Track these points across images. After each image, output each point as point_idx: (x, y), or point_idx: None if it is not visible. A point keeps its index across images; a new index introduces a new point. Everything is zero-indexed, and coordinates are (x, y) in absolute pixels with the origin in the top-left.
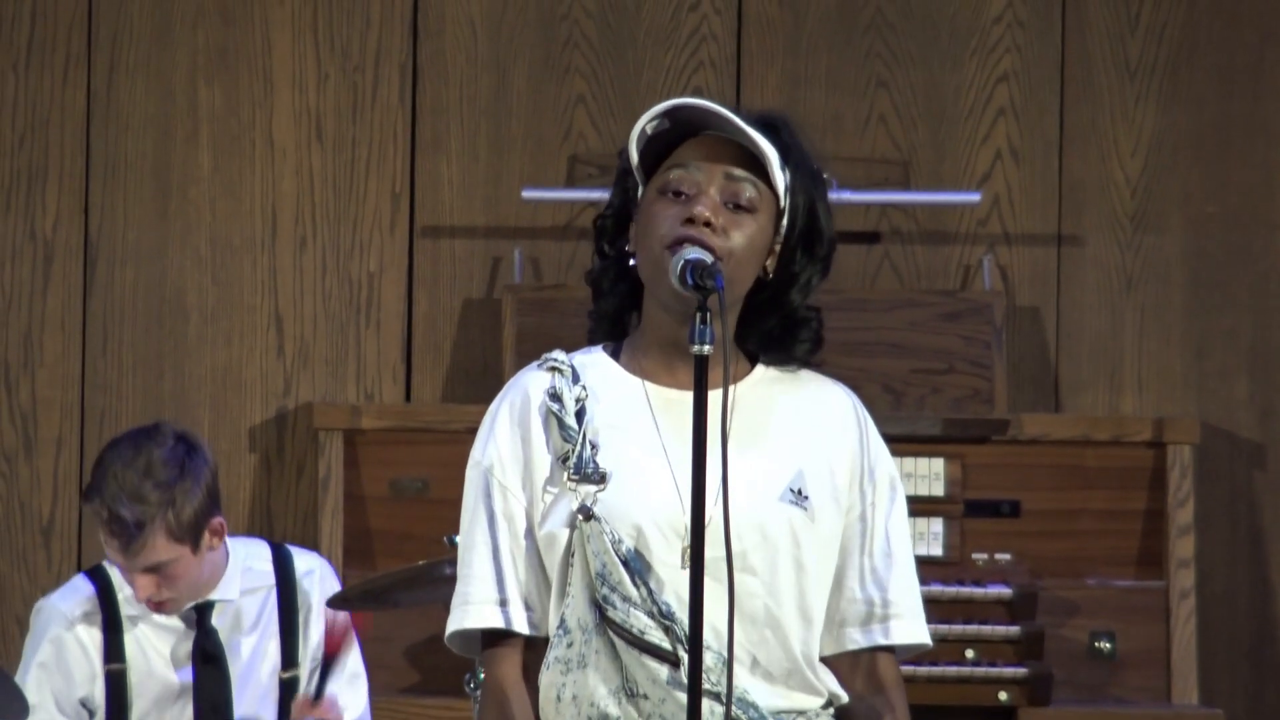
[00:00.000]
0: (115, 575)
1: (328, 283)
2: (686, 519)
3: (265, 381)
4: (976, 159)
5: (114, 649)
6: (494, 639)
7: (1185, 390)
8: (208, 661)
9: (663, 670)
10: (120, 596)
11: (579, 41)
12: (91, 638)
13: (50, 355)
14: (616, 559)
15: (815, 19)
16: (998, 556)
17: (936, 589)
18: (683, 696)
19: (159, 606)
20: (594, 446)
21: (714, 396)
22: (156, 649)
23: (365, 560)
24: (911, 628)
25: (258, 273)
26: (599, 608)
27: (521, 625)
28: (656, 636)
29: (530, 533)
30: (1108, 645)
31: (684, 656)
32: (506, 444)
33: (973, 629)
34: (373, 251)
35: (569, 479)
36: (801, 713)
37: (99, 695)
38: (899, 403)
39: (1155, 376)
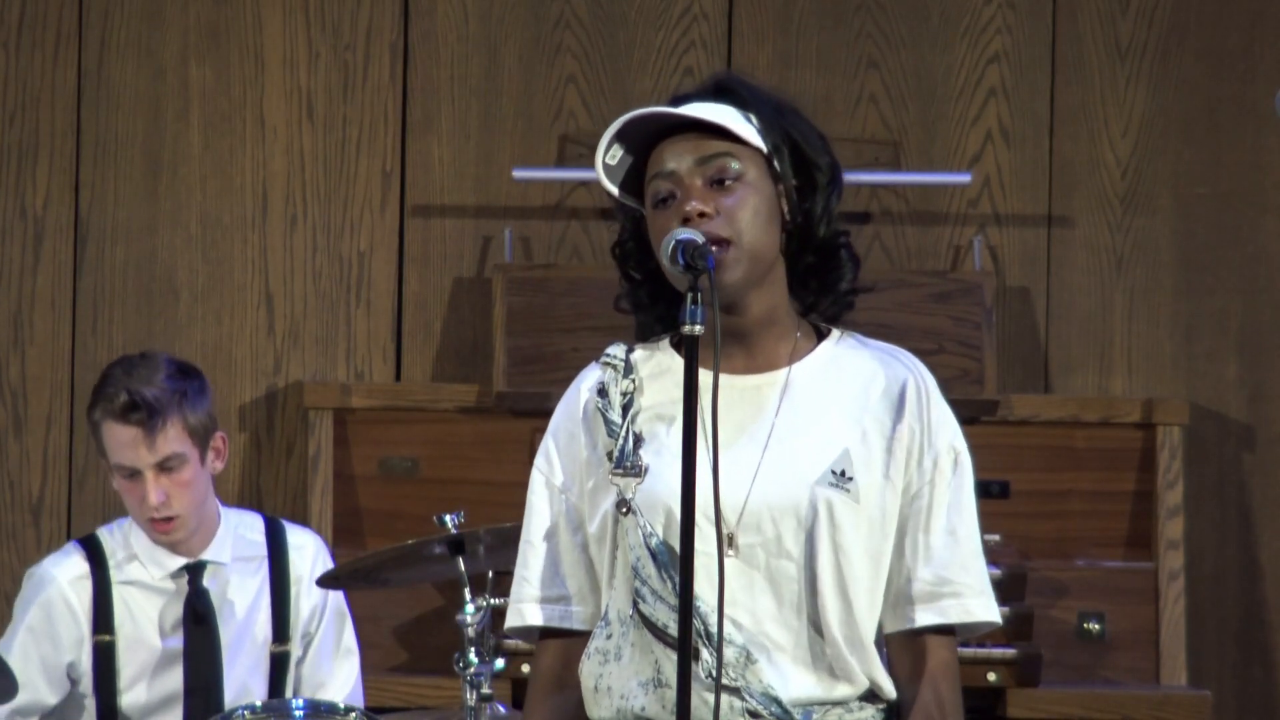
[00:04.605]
0: (107, 542)
1: (318, 261)
2: (721, 505)
3: (255, 360)
4: (967, 140)
5: (103, 616)
6: (545, 633)
7: (1174, 371)
8: (198, 623)
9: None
10: (112, 562)
11: (570, 21)
12: (81, 602)
13: (40, 334)
14: (647, 552)
15: None
16: (987, 537)
17: None
18: (704, 690)
19: (166, 524)
20: (638, 439)
21: (761, 380)
22: (146, 614)
23: (354, 539)
24: (973, 606)
25: (248, 251)
26: (634, 601)
27: (569, 622)
28: (677, 630)
29: (580, 530)
30: (1096, 626)
31: (703, 651)
32: (555, 445)
33: None
34: (363, 230)
35: (611, 473)
36: (839, 703)
37: (86, 662)
38: None
39: (1145, 358)
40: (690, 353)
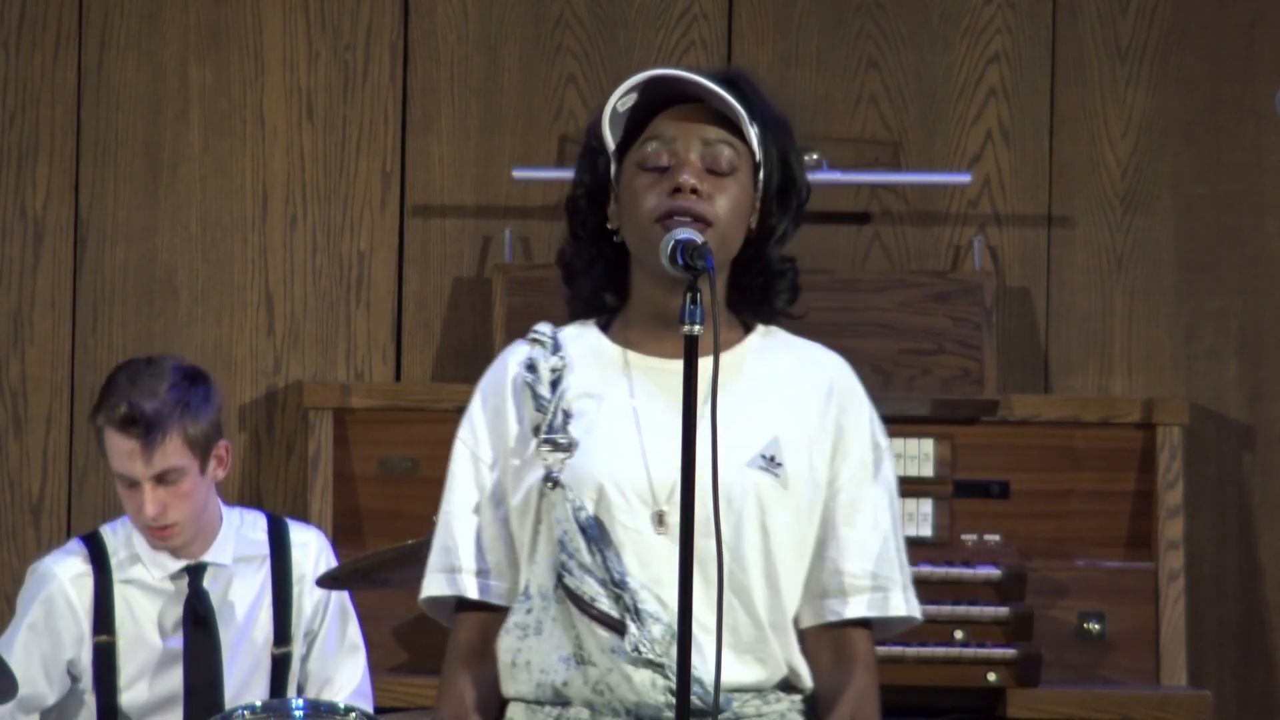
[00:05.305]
0: (110, 540)
1: (318, 261)
2: (651, 483)
3: (255, 360)
4: (967, 140)
5: (104, 614)
6: (463, 606)
7: (1175, 371)
8: (198, 624)
9: (610, 638)
10: (114, 561)
11: (570, 21)
12: (82, 600)
13: (40, 334)
14: (576, 526)
15: None
16: (987, 537)
17: (925, 569)
18: (628, 666)
19: (163, 532)
20: (567, 415)
21: (705, 365)
22: (147, 613)
23: (355, 539)
24: (894, 601)
25: (248, 251)
26: (558, 575)
27: (488, 595)
28: (605, 604)
29: (503, 504)
30: (1096, 626)
31: (630, 626)
32: (481, 417)
33: (961, 610)
34: (363, 230)
35: (539, 447)
36: (758, 691)
37: (86, 660)
38: (888, 383)
39: (1145, 358)
40: (690, 353)
